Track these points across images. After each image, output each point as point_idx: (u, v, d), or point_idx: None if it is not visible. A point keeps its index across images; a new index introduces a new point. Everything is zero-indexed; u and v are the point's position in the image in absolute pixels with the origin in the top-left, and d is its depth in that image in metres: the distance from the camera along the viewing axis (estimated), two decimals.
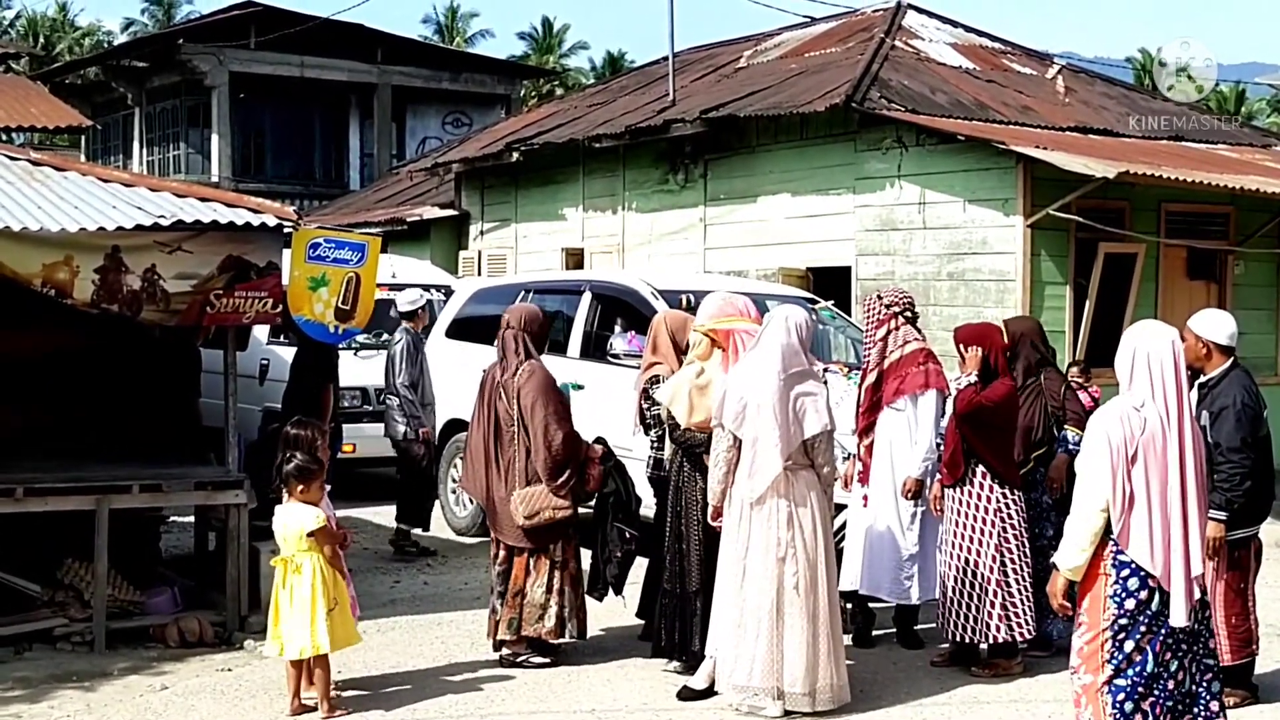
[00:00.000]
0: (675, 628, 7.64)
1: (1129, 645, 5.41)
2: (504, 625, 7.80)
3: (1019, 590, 7.73)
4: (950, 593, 7.85)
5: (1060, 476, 8.28)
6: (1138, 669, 5.41)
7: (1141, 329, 5.64)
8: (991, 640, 7.76)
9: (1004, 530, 7.75)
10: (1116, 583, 5.36)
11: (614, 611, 8.60)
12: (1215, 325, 7.30)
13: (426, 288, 15.15)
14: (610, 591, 8.02)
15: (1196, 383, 7.23)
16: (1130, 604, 5.39)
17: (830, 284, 14.79)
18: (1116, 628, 5.39)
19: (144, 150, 34.25)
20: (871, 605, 8.55)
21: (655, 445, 7.98)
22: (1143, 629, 5.40)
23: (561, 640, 7.87)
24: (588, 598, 8.03)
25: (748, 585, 6.93)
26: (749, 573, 6.93)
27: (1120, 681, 5.40)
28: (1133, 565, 5.37)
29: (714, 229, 16.75)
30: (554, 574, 7.72)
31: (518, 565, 7.78)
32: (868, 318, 8.51)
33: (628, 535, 7.79)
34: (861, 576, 8.32)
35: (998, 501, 7.76)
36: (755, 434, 6.90)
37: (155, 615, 8.54)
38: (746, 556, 6.94)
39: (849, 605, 8.38)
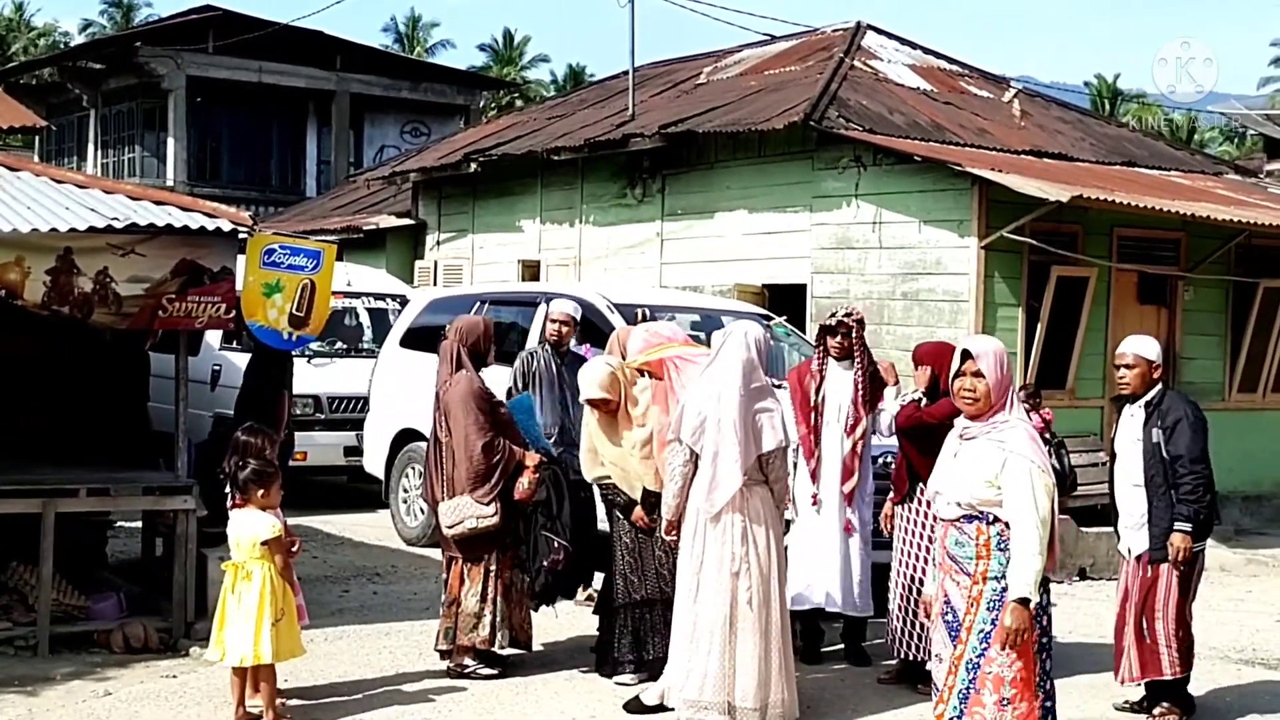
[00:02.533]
0: (604, 640, 7.82)
1: (1049, 664, 5.51)
2: (442, 634, 7.84)
3: None
4: (897, 610, 7.89)
5: None
6: (1050, 685, 5.51)
7: (995, 346, 5.56)
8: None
9: None
10: (1035, 603, 5.35)
11: (564, 624, 8.59)
12: (1155, 348, 7.55)
13: (381, 296, 15.18)
14: (542, 603, 8.01)
15: (1141, 402, 7.40)
16: (1044, 620, 5.49)
17: (785, 301, 14.83)
18: (1039, 646, 5.44)
19: (99, 153, 34.00)
20: (822, 623, 8.58)
21: None
22: (1049, 643, 5.52)
23: (509, 651, 7.89)
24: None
25: (701, 599, 6.95)
26: (702, 587, 6.95)
27: (1049, 704, 5.50)
28: (1045, 581, 5.43)
29: (671, 244, 16.78)
30: (488, 583, 7.73)
31: (454, 574, 7.82)
32: (847, 339, 8.43)
33: (555, 544, 7.76)
34: (816, 591, 8.35)
35: None
36: (715, 449, 6.92)
37: (100, 620, 8.46)
38: (700, 571, 6.96)
39: (796, 622, 8.41)
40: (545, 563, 7.77)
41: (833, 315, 8.62)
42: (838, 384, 8.37)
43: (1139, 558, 7.36)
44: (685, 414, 7.02)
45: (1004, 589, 5.26)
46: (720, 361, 7.08)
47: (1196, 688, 7.84)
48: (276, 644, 6.82)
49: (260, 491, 6.96)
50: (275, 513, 7.11)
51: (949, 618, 5.46)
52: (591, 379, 7.58)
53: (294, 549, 7.21)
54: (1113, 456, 7.67)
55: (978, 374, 5.44)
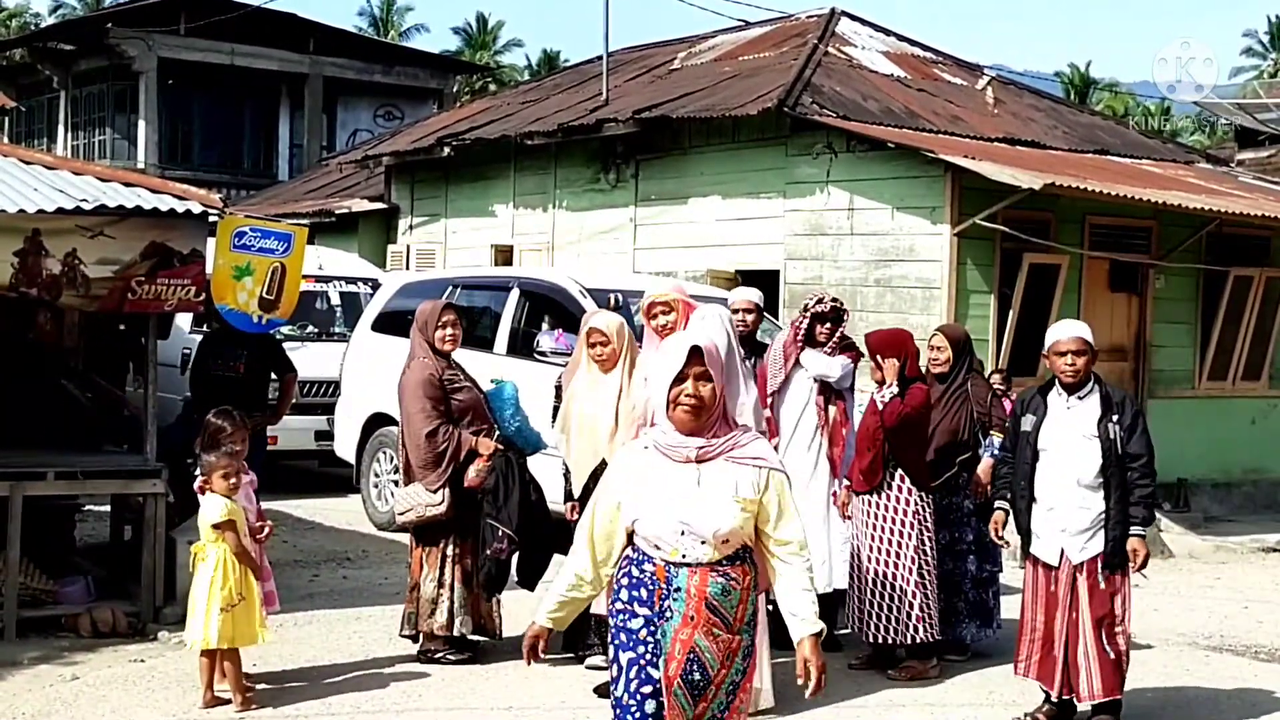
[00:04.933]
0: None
1: None
2: (405, 619, 7.84)
3: (932, 592, 7.87)
4: (870, 596, 7.90)
5: (986, 480, 8.39)
6: None
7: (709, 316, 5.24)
8: (910, 641, 7.82)
9: (920, 534, 7.86)
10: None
11: (535, 610, 8.58)
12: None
13: (353, 280, 15.13)
14: (490, 593, 7.87)
15: (1092, 396, 6.87)
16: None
17: (759, 287, 14.76)
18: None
19: (69, 134, 33.79)
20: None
21: None
22: None
23: (479, 639, 7.88)
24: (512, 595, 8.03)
25: None
26: None
27: None
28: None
29: (644, 229, 16.75)
30: (444, 569, 7.71)
31: (415, 559, 7.81)
32: (833, 328, 8.41)
33: (500, 534, 7.64)
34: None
35: (915, 505, 7.86)
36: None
37: (68, 605, 8.41)
38: None
39: (769, 608, 8.43)
40: (489, 551, 7.67)
41: (819, 301, 8.49)
42: (813, 367, 8.36)
43: (1084, 564, 6.81)
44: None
45: (754, 637, 4.49)
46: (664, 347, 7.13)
47: (1166, 674, 7.88)
48: (229, 629, 6.78)
49: (218, 475, 6.92)
50: (245, 495, 7.09)
51: (695, 677, 4.35)
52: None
53: (264, 534, 7.18)
54: (1034, 452, 6.95)
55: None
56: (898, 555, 7.83)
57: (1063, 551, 6.85)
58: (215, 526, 6.84)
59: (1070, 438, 6.84)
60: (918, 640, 7.83)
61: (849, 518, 8.08)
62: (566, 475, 7.75)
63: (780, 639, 8.37)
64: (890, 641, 7.90)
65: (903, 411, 7.75)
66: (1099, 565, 6.81)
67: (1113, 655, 6.82)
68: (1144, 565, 6.86)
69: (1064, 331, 6.96)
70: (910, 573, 7.80)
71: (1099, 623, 6.78)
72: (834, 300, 8.51)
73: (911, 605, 7.78)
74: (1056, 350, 6.88)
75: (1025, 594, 7.08)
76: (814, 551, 8.23)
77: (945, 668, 8.02)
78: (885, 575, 7.85)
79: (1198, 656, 8.83)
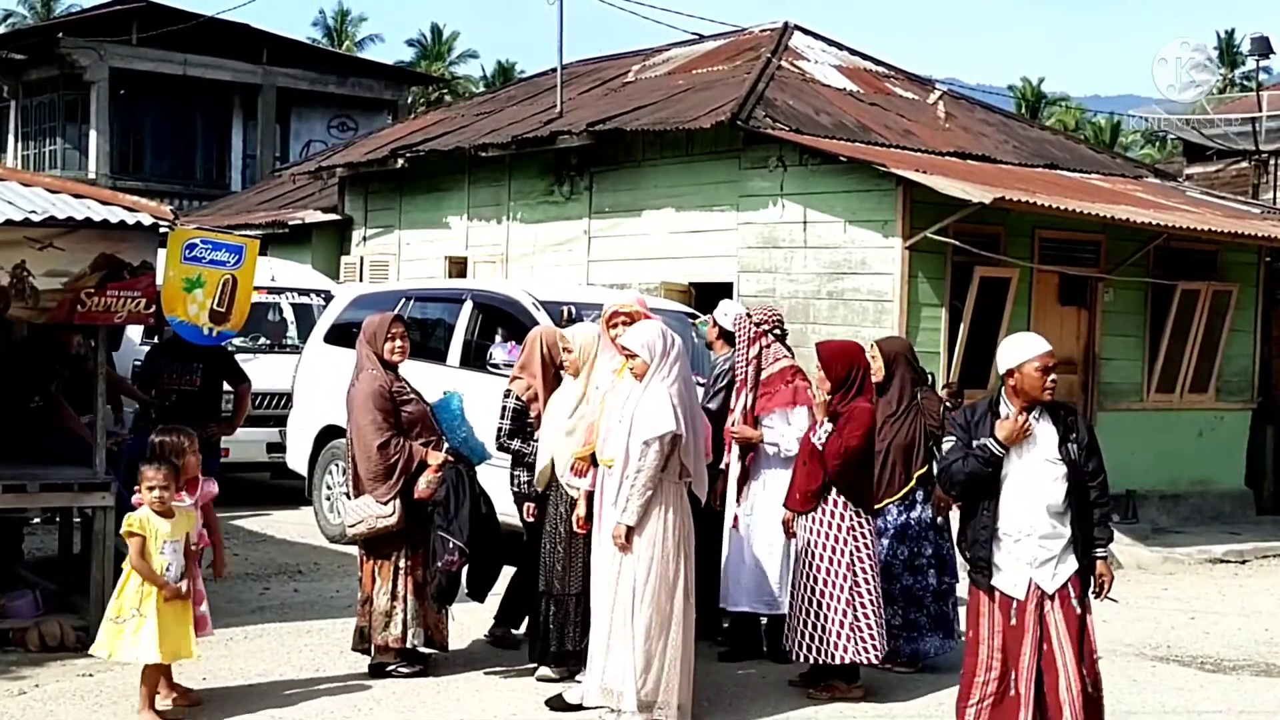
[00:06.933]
0: (541, 630, 7.82)
1: None
2: (357, 633, 7.80)
3: (872, 611, 7.62)
4: (797, 612, 7.73)
5: (947, 495, 8.38)
6: None
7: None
8: (838, 661, 7.62)
9: (855, 551, 7.64)
10: None
11: (487, 623, 8.58)
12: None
13: (306, 291, 15.08)
14: (441, 604, 7.83)
15: (1048, 414, 6.29)
16: None
17: (712, 300, 14.83)
18: None
19: (19, 144, 33.52)
20: (750, 620, 8.60)
21: (514, 461, 8.06)
22: None
23: (430, 651, 7.87)
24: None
25: (591, 589, 7.19)
26: (594, 575, 7.15)
27: None
28: None
29: (598, 242, 16.77)
30: (398, 581, 7.69)
31: (366, 572, 7.78)
32: (739, 336, 8.58)
33: (450, 545, 7.60)
34: (732, 592, 8.38)
35: (851, 521, 7.65)
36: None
37: (15, 619, 8.35)
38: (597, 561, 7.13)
39: (725, 623, 8.49)
40: (439, 564, 7.63)
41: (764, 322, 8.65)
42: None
43: (1055, 592, 6.22)
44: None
45: None
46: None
47: (1112, 685, 7.94)
48: (113, 639, 6.72)
49: (147, 488, 6.86)
50: (196, 509, 7.06)
51: None
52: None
53: (198, 545, 7.10)
54: (996, 470, 6.28)
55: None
56: (829, 572, 7.61)
57: (1030, 583, 6.22)
58: (119, 535, 6.80)
59: (1033, 461, 6.23)
60: (841, 661, 7.61)
61: (794, 535, 7.88)
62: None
63: (734, 653, 8.45)
64: (816, 660, 7.70)
65: (844, 447, 7.55)
66: (1069, 591, 6.24)
67: (1092, 690, 6.32)
68: (1109, 590, 6.41)
69: (1035, 346, 6.30)
70: (841, 590, 7.57)
71: (1079, 653, 6.23)
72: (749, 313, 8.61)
73: (841, 625, 7.55)
74: (1035, 367, 6.21)
75: (976, 631, 6.38)
76: (769, 573, 8.31)
77: (899, 681, 8.04)
78: (810, 593, 7.64)
79: (1144, 667, 8.91)
